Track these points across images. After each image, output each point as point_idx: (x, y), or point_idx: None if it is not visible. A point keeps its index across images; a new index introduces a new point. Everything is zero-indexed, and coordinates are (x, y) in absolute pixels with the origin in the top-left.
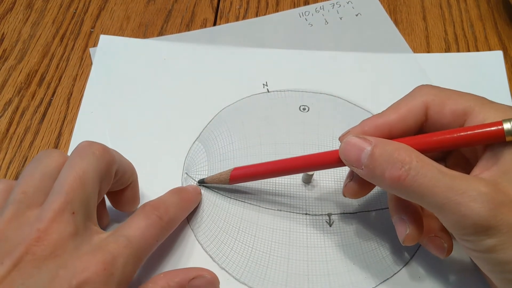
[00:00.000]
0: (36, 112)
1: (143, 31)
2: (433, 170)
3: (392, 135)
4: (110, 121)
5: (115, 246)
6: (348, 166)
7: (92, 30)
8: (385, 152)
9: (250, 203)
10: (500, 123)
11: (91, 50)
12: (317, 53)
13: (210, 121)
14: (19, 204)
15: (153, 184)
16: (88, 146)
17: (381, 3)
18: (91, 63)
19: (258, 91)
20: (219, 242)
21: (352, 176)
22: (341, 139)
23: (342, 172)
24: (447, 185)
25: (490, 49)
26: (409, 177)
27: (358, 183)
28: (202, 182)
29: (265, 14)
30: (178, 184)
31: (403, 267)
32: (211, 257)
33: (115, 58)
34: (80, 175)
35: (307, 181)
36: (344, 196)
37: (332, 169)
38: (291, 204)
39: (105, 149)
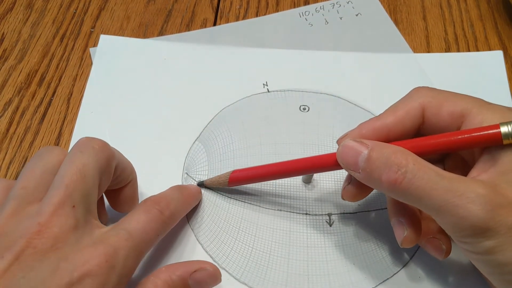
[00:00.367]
0: (36, 112)
1: (143, 31)
2: (430, 172)
3: (390, 138)
4: (110, 121)
5: (116, 239)
6: (346, 170)
7: (92, 30)
8: (382, 155)
9: (250, 203)
10: (497, 126)
11: (91, 50)
12: (317, 53)
13: (210, 121)
14: (19, 199)
15: (153, 184)
16: (87, 141)
17: (381, 3)
18: (91, 63)
19: (258, 91)
20: (219, 242)
21: (350, 179)
22: (339, 142)
23: (342, 172)
24: (445, 187)
25: (490, 49)
26: (406, 180)
27: (357, 186)
28: (201, 185)
29: (265, 14)
30: (178, 184)
31: (403, 267)
32: (211, 257)
33: (115, 58)
34: (80, 168)
35: (307, 181)
36: (343, 199)
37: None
38: (291, 204)
39: (104, 143)
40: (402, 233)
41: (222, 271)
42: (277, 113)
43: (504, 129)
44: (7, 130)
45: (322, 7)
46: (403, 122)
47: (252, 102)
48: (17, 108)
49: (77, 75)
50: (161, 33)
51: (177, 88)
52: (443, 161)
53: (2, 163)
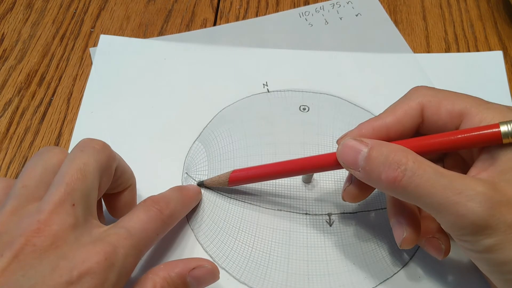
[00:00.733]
0: (36, 112)
1: (143, 31)
2: (430, 170)
3: (390, 137)
4: (110, 121)
5: (115, 237)
6: (346, 169)
7: (92, 30)
8: (382, 154)
9: (250, 203)
10: (497, 125)
11: (91, 50)
12: (317, 53)
13: (210, 121)
14: (20, 198)
15: (153, 184)
16: (88, 141)
17: (381, 3)
18: (91, 63)
19: (258, 91)
20: (219, 242)
21: (351, 180)
22: (338, 142)
23: (342, 172)
24: (444, 185)
25: (490, 49)
26: (405, 178)
27: (357, 187)
28: (201, 185)
29: (265, 14)
30: (178, 184)
31: (403, 267)
32: (211, 257)
33: (115, 58)
34: (81, 167)
35: (307, 181)
36: (344, 200)
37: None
38: (291, 204)
39: (105, 144)
40: (401, 234)
41: (222, 271)
42: (277, 113)
43: (503, 128)
44: (7, 130)
45: (322, 7)
46: (402, 121)
47: (252, 102)
48: (17, 108)
49: (77, 75)
50: (161, 33)
51: (177, 88)
52: (442, 160)
53: (2, 163)
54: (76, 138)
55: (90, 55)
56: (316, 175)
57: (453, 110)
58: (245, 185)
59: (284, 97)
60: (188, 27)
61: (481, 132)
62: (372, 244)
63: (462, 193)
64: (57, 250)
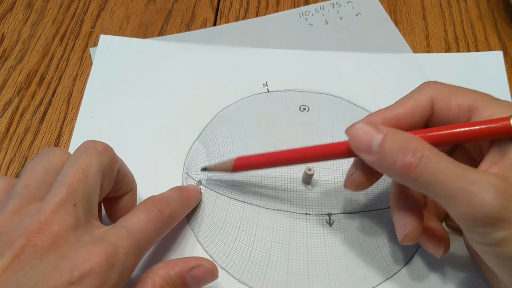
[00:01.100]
0: (36, 112)
1: (143, 31)
2: (445, 160)
3: (400, 128)
4: (110, 121)
5: (116, 237)
6: (357, 154)
7: (92, 30)
8: (397, 140)
9: (250, 203)
10: (508, 118)
11: (91, 50)
12: (317, 53)
13: (210, 121)
14: (21, 198)
15: (153, 184)
16: (91, 143)
17: (381, 3)
18: (91, 63)
19: (258, 91)
20: (219, 242)
21: (356, 167)
22: (348, 130)
23: (342, 173)
24: (459, 175)
25: (490, 49)
26: (421, 165)
27: (363, 174)
28: (205, 169)
29: (265, 14)
30: (178, 184)
31: (403, 267)
32: (211, 257)
33: (115, 58)
34: (83, 168)
35: (307, 181)
36: (346, 188)
37: (332, 170)
38: (291, 204)
39: (107, 146)
40: (403, 230)
41: (222, 271)
42: (277, 113)
43: None
44: (7, 130)
45: (322, 7)
46: (412, 113)
47: (252, 102)
48: (17, 108)
49: (77, 75)
50: (161, 33)
51: (177, 88)
52: (450, 156)
53: (2, 163)
54: (76, 138)
55: (90, 55)
56: (316, 175)
57: (463, 104)
58: (245, 185)
59: (284, 97)
60: (188, 27)
61: (492, 125)
62: (372, 244)
63: (476, 183)
64: (58, 250)
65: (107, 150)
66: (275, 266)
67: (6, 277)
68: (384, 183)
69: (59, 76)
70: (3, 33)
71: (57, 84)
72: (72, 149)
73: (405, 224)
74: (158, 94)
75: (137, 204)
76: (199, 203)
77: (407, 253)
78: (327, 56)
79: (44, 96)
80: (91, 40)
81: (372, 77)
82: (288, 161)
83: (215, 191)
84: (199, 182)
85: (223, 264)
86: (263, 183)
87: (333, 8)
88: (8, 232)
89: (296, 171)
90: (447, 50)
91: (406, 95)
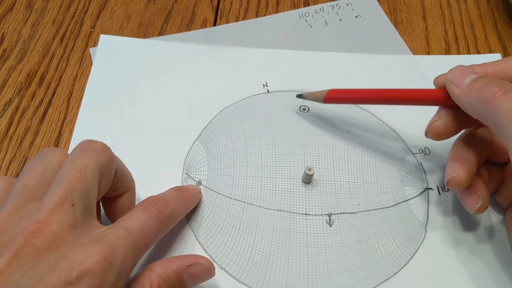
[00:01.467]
0: (36, 112)
1: (143, 31)
2: None
3: None
4: (110, 121)
5: (114, 237)
6: (448, 87)
7: (92, 30)
8: (488, 80)
9: (250, 203)
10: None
11: (91, 50)
12: (317, 54)
13: (210, 121)
14: (20, 198)
15: (153, 184)
16: (89, 142)
17: (381, 3)
18: (91, 63)
19: (258, 91)
20: (219, 242)
21: (439, 115)
22: (436, 80)
23: (343, 173)
24: None
25: (490, 49)
26: (506, 95)
27: (445, 122)
28: (300, 96)
29: (265, 15)
30: (178, 184)
31: (403, 267)
32: (211, 257)
33: (115, 58)
34: (81, 167)
35: (307, 181)
36: (426, 136)
37: (332, 170)
38: (291, 204)
39: (105, 146)
40: (453, 173)
41: (222, 272)
42: (277, 114)
43: None
44: (7, 130)
45: (321, 9)
46: (503, 72)
47: (252, 102)
48: (17, 108)
49: (77, 75)
50: (161, 33)
51: (177, 88)
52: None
53: (2, 163)
54: (76, 138)
55: (90, 55)
56: (316, 175)
57: None
58: (245, 185)
59: (284, 97)
60: (188, 27)
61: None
62: (373, 244)
63: None
64: (56, 250)
65: (105, 149)
66: (275, 266)
67: (4, 277)
68: (384, 183)
69: (59, 76)
70: (3, 33)
71: (57, 84)
72: (72, 149)
73: (456, 170)
74: (158, 94)
75: (136, 204)
76: (199, 203)
77: (407, 253)
78: (327, 57)
79: (44, 96)
80: (91, 40)
81: (371, 78)
82: (377, 100)
83: (215, 191)
84: (199, 182)
85: (223, 264)
86: (263, 183)
87: (332, 9)
88: (6, 232)
89: (296, 171)
90: (447, 50)
91: (498, 60)
